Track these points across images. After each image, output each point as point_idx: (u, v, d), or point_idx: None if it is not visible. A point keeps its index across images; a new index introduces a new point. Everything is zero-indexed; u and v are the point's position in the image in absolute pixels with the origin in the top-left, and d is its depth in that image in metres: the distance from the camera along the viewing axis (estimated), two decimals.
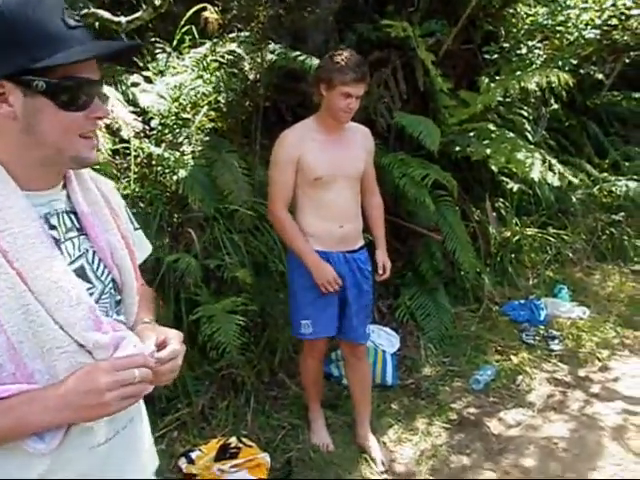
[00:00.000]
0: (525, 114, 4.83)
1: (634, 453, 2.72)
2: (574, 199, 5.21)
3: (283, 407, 2.94)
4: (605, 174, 5.56)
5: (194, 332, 2.68)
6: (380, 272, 2.58)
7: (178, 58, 3.34)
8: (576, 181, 4.52)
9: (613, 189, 5.24)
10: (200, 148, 3.10)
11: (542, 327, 3.89)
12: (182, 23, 3.34)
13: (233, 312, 2.66)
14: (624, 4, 4.74)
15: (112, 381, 0.88)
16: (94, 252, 1.01)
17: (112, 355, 0.94)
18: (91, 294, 0.98)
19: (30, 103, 0.87)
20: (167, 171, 2.94)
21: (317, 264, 2.39)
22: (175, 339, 1.03)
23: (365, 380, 2.74)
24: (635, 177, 5.41)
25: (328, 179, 2.38)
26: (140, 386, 0.92)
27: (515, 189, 4.68)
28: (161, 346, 1.00)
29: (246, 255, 2.96)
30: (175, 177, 2.89)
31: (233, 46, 3.35)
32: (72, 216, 1.00)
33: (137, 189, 2.93)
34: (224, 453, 2.45)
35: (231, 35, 3.46)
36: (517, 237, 4.56)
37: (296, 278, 2.49)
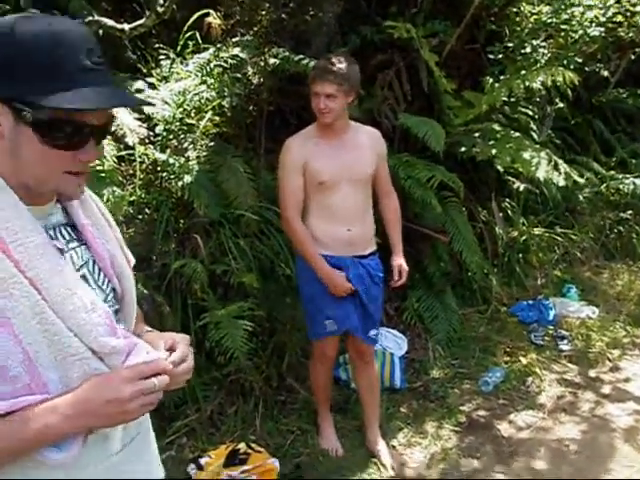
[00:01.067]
0: (530, 113, 4.80)
1: None
2: (581, 198, 5.18)
3: (292, 412, 2.93)
4: (612, 172, 5.52)
5: (201, 338, 2.68)
6: (396, 278, 2.55)
7: (182, 64, 3.34)
8: (582, 181, 4.50)
9: (620, 187, 5.22)
10: (205, 153, 3.10)
11: (551, 327, 3.87)
12: (185, 29, 3.34)
13: (240, 317, 2.66)
14: (629, 1, 4.71)
15: (135, 390, 0.89)
16: (94, 262, 1.02)
17: (125, 361, 0.95)
18: None
19: (18, 130, 0.87)
20: (172, 177, 2.94)
21: (329, 276, 2.39)
22: (182, 342, 1.05)
23: (373, 384, 2.73)
24: None
25: (333, 182, 2.38)
26: (159, 393, 0.93)
27: (521, 189, 4.66)
28: (170, 350, 1.02)
29: (252, 260, 2.96)
30: (180, 183, 2.89)
31: (236, 51, 3.35)
32: (69, 229, 1.00)
33: (143, 195, 2.94)
34: (233, 459, 2.45)
35: (234, 40, 3.45)
36: (524, 237, 4.53)
37: (309, 282, 2.47)
